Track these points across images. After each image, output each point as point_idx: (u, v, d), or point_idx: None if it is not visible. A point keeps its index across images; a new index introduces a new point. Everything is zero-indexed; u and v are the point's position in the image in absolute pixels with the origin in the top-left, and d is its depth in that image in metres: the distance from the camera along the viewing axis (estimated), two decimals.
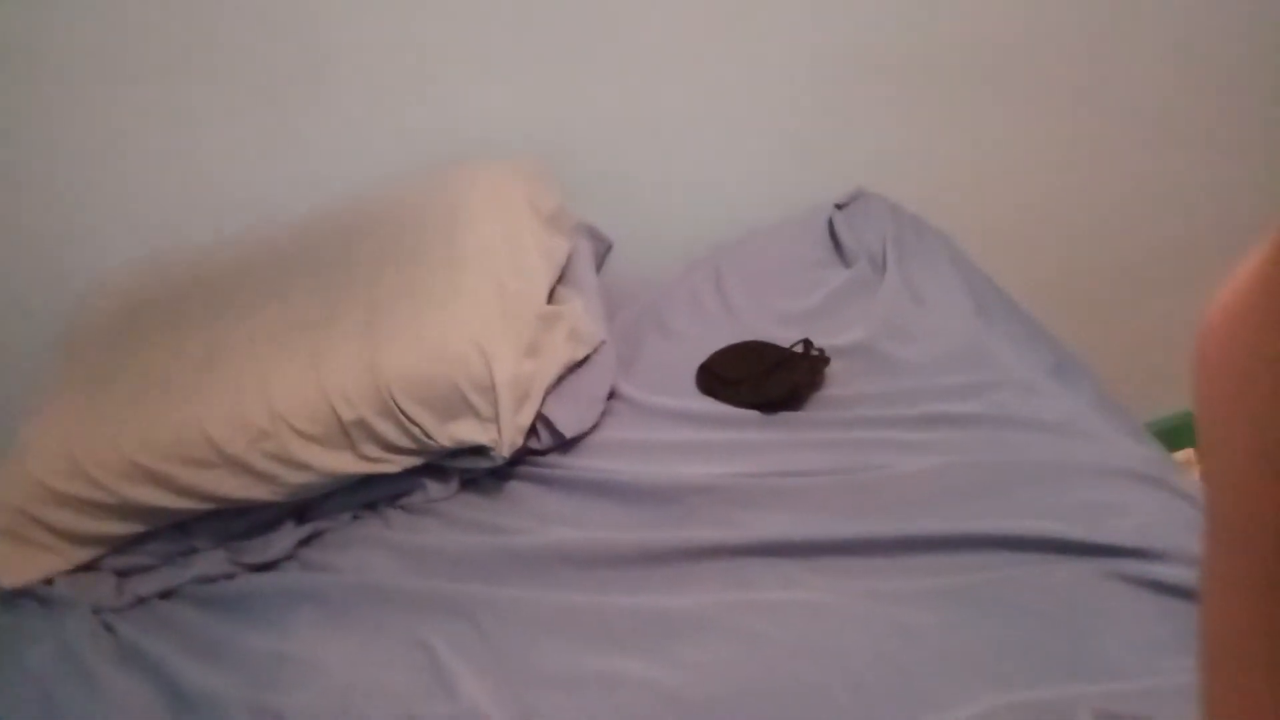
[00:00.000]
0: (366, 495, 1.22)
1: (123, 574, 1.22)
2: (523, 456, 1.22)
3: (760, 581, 0.97)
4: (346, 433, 1.17)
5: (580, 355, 1.31)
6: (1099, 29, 1.59)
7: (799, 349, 1.26)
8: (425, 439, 1.18)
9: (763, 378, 1.24)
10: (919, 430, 1.06)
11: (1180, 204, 1.72)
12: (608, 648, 0.93)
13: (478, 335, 1.20)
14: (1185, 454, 1.81)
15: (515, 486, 1.21)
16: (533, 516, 1.16)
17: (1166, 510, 0.92)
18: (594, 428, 1.25)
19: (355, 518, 1.22)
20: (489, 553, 1.08)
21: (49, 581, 1.20)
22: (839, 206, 1.55)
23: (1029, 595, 0.85)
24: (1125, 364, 1.77)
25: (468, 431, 1.18)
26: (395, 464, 1.20)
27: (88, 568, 1.22)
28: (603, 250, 1.64)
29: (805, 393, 1.20)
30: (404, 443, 1.18)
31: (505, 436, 1.17)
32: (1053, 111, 1.64)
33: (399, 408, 1.17)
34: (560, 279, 1.46)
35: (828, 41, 1.59)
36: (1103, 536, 0.87)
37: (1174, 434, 1.80)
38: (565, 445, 1.23)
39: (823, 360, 1.22)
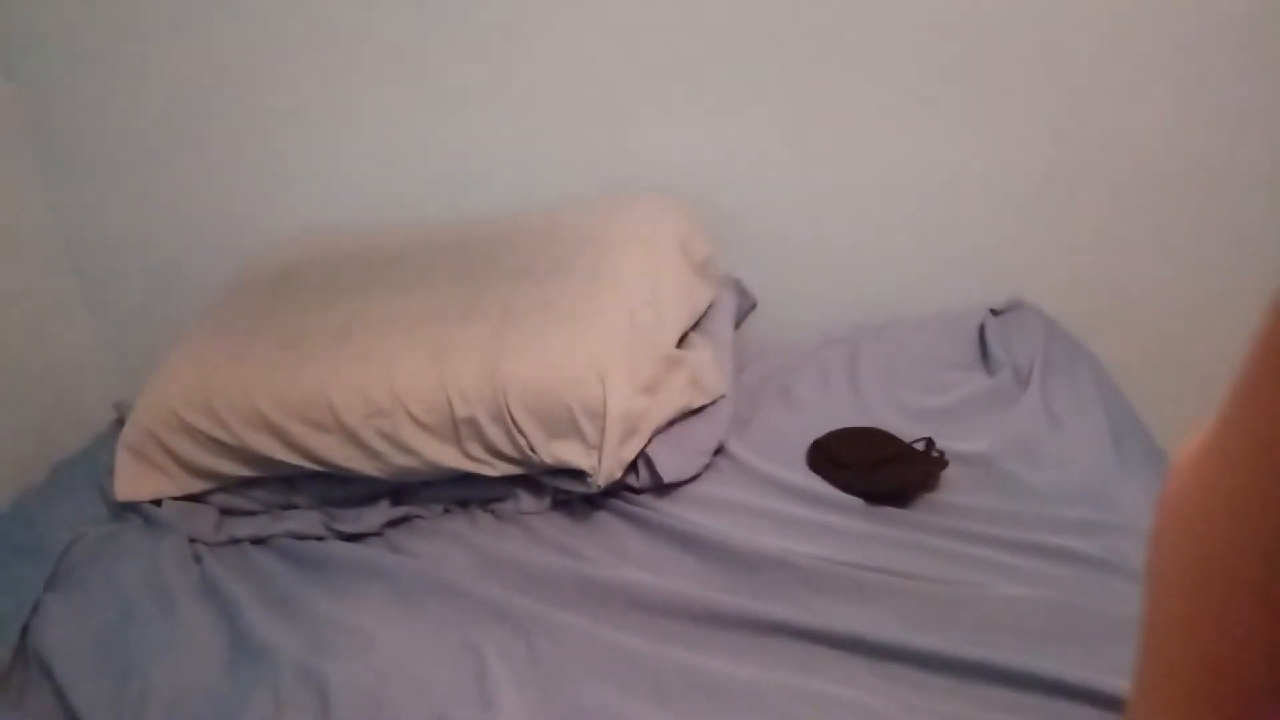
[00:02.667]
0: (462, 492, 1.25)
1: (225, 512, 1.28)
2: (618, 490, 1.22)
3: (820, 671, 0.93)
4: (456, 428, 1.20)
5: (697, 403, 1.30)
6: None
7: (919, 446, 1.22)
8: (529, 451, 1.19)
9: (875, 467, 1.20)
10: (1024, 556, 1.00)
11: None
12: (654, 700, 0.90)
13: (600, 361, 1.21)
14: None
15: (604, 518, 1.20)
16: (613, 551, 1.15)
17: None
18: (694, 479, 1.24)
19: (446, 511, 1.25)
20: (561, 576, 1.08)
21: (157, 503, 1.27)
22: (995, 312, 1.49)
23: None
24: None
25: (570, 453, 1.19)
26: (495, 468, 1.22)
27: (195, 499, 1.29)
28: (746, 307, 1.63)
29: (915, 492, 1.16)
30: (508, 450, 1.20)
31: (605, 466, 1.17)
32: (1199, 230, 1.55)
33: (510, 415, 1.19)
34: (697, 326, 1.46)
35: (1021, 149, 1.55)
36: None
37: None
38: (662, 489, 1.22)
39: (941, 463, 1.18)
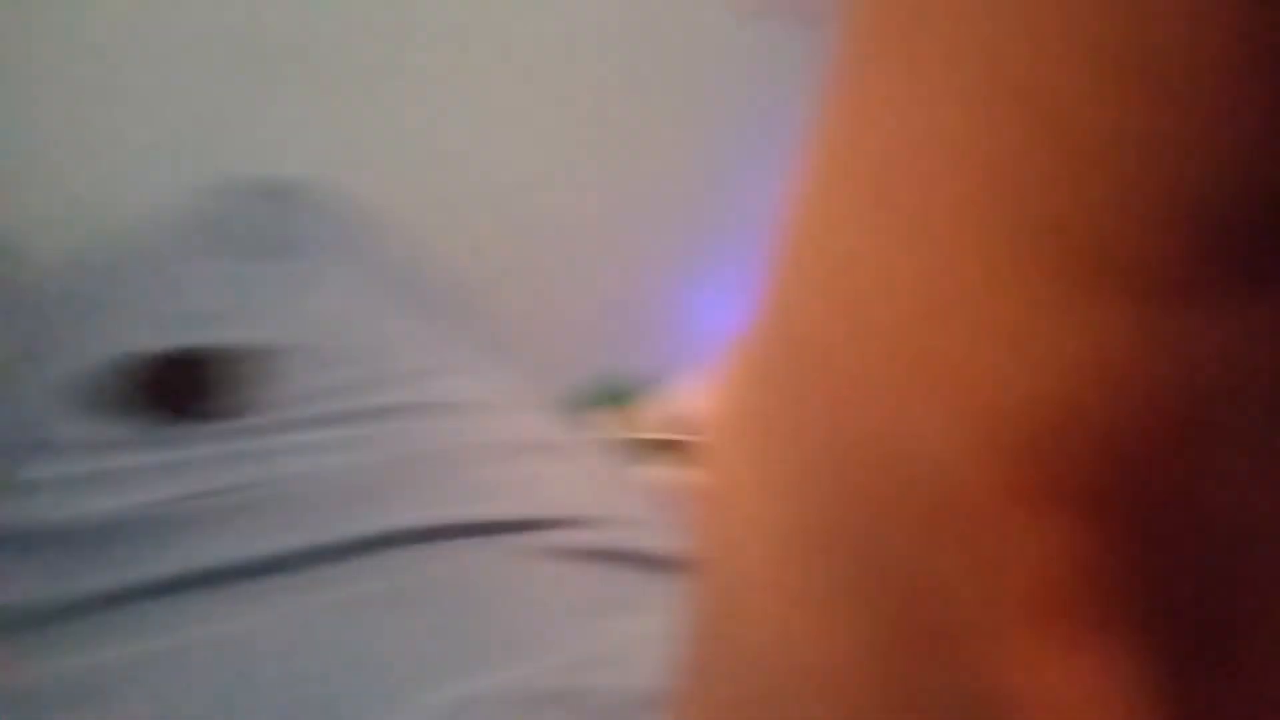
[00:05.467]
0: None
1: None
2: None
3: (163, 627, 0.86)
4: None
5: None
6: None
7: (203, 354, 1.15)
8: None
9: (164, 389, 1.11)
10: (328, 430, 1.02)
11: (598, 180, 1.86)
12: None
13: None
14: (600, 415, 1.97)
15: None
16: None
17: (567, 477, 0.97)
18: None
19: None
20: None
21: None
22: (248, 194, 1.43)
23: (445, 585, 0.86)
24: (548, 334, 1.90)
25: None
26: None
27: None
28: None
29: (211, 403, 1.10)
30: None
31: None
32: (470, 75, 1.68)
33: None
34: None
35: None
36: (503, 513, 0.90)
37: (593, 398, 1.96)
38: None
39: (230, 364, 1.13)
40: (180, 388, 1.12)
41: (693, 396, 2.12)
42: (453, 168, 1.72)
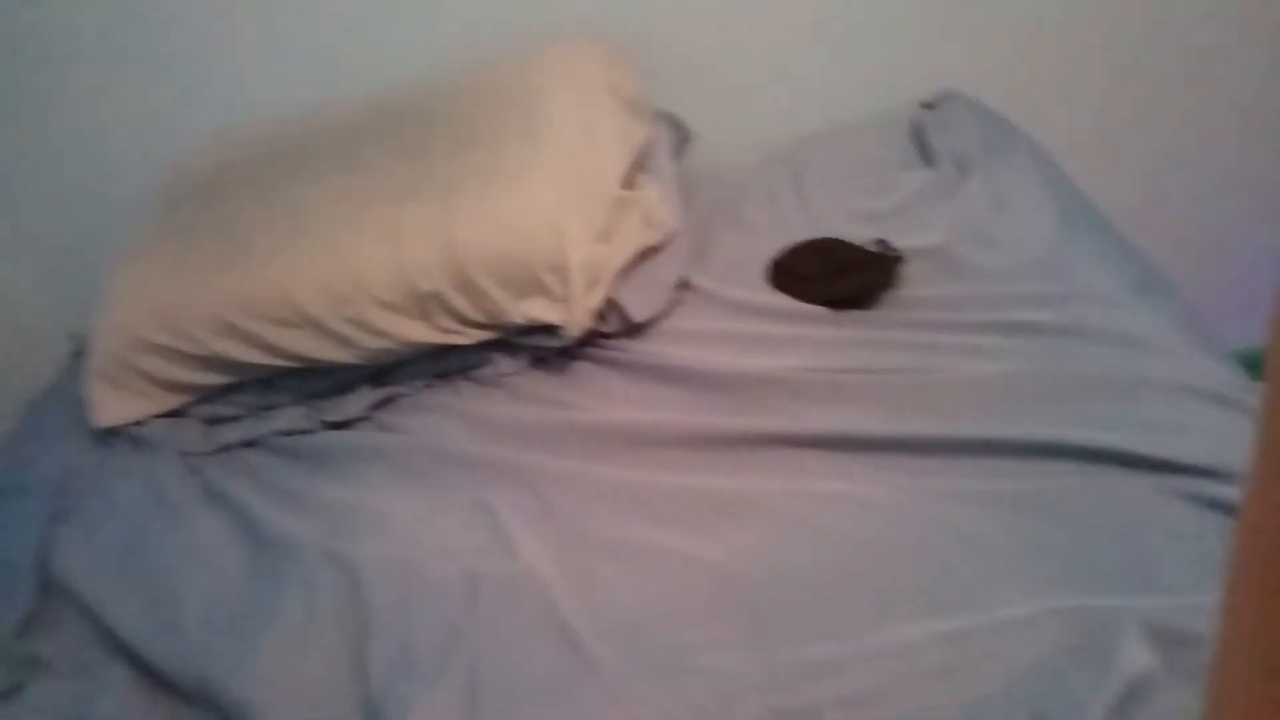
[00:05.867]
0: (440, 365, 1.26)
1: (210, 422, 1.29)
2: (592, 338, 1.24)
3: (815, 472, 0.99)
4: (422, 304, 1.21)
5: (653, 241, 1.32)
6: None
7: (874, 248, 1.25)
8: (498, 314, 1.21)
9: (834, 275, 1.24)
10: (990, 335, 1.06)
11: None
12: (660, 522, 0.96)
13: (552, 215, 1.21)
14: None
15: (582, 367, 1.23)
16: (598, 396, 1.19)
17: (1236, 431, 0.90)
18: (663, 315, 1.27)
19: (428, 386, 1.27)
20: (552, 426, 1.12)
21: (141, 423, 1.28)
22: (926, 106, 1.50)
23: (1085, 506, 0.86)
24: (1222, 289, 1.72)
25: (539, 309, 1.21)
26: (468, 337, 1.23)
27: (177, 414, 1.29)
28: (683, 139, 1.62)
29: (877, 292, 1.20)
30: (477, 317, 1.22)
31: (575, 317, 1.20)
32: (1143, 23, 1.56)
33: (473, 282, 1.19)
34: (638, 165, 1.45)
35: None
36: (1167, 453, 0.86)
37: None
38: (633, 330, 1.25)
39: (897, 260, 1.21)
40: (833, 276, 1.24)
41: None
42: (1110, 98, 1.62)
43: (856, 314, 1.18)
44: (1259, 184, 1.68)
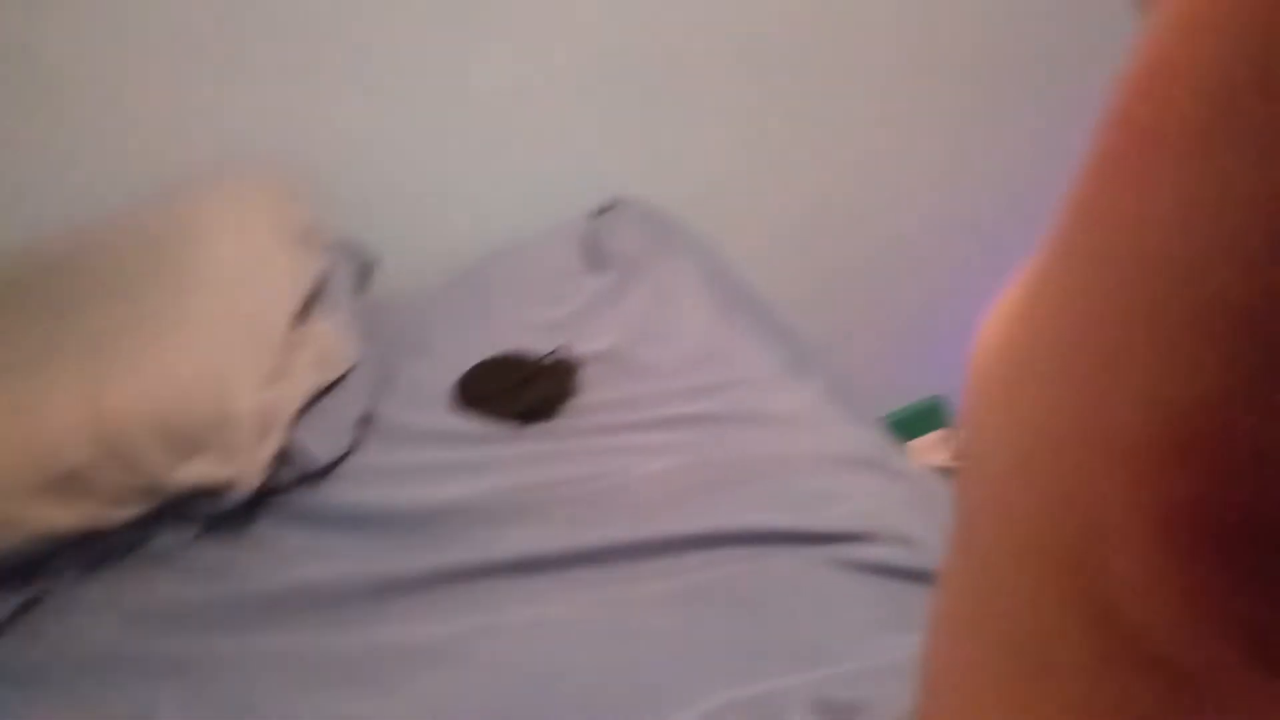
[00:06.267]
0: (97, 550, 1.13)
1: None
2: (270, 492, 1.16)
3: (509, 601, 0.96)
4: (70, 482, 1.09)
5: (329, 379, 1.26)
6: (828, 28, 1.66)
7: (552, 358, 1.26)
8: (158, 482, 1.10)
9: (517, 389, 1.23)
10: (658, 432, 1.08)
11: (918, 200, 1.82)
12: (336, 688, 0.89)
13: (212, 364, 1.13)
14: (921, 441, 1.92)
15: (260, 525, 1.15)
16: (276, 557, 1.10)
17: (884, 493, 0.96)
18: (347, 454, 1.21)
19: (84, 576, 1.13)
20: (221, 602, 1.03)
21: None
22: (599, 213, 1.55)
23: (753, 589, 0.87)
24: (873, 356, 1.86)
25: (204, 470, 1.11)
26: (129, 510, 1.12)
27: None
28: (366, 267, 1.58)
29: (558, 402, 1.20)
30: (136, 486, 1.11)
31: (246, 472, 1.11)
32: (791, 110, 1.71)
33: (127, 449, 1.09)
34: (312, 300, 1.40)
35: (581, 49, 1.60)
36: (821, 524, 0.90)
37: (914, 422, 1.91)
38: (316, 476, 1.18)
39: (574, 368, 1.22)
40: (517, 391, 1.24)
41: None
42: (774, 187, 1.75)
43: (540, 427, 1.18)
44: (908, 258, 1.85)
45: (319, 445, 1.19)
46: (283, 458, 1.17)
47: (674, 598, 0.88)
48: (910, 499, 0.94)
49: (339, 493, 1.15)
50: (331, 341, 1.30)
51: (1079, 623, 0.18)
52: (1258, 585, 0.16)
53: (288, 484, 1.17)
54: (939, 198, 1.81)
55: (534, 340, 1.31)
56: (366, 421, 1.26)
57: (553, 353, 1.26)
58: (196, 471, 1.11)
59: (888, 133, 1.75)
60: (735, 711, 0.75)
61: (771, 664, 0.79)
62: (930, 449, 1.95)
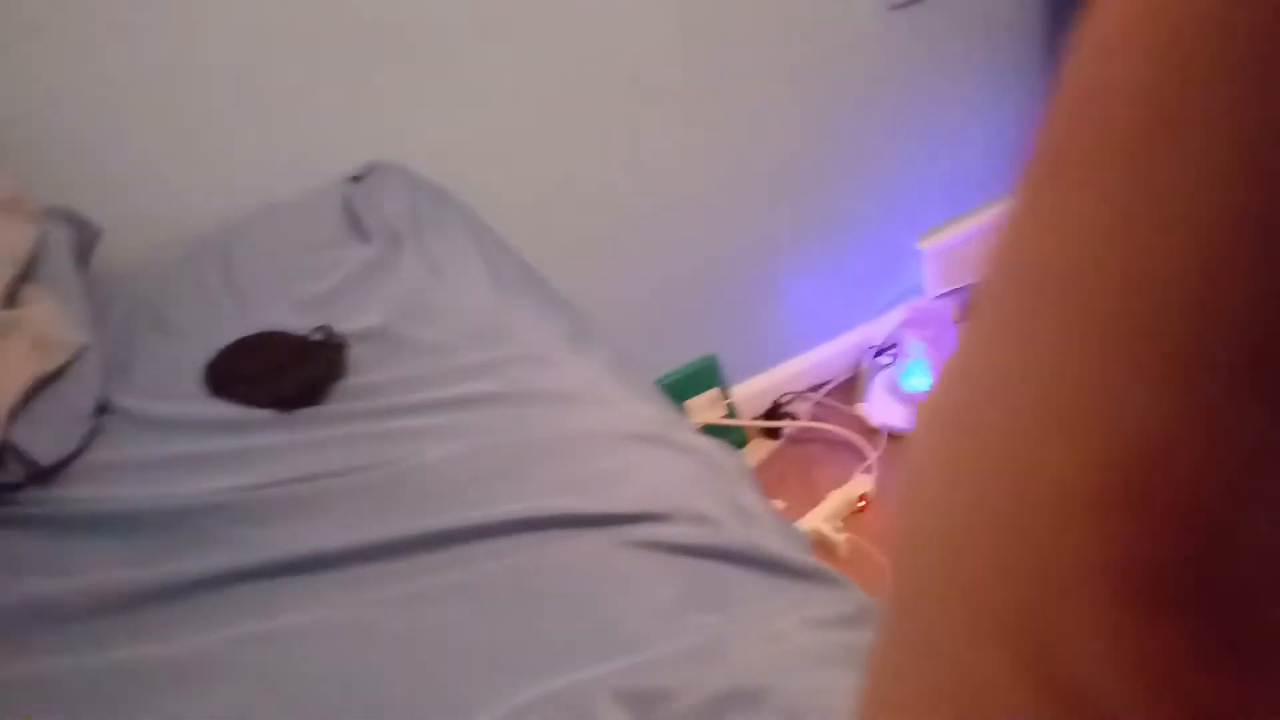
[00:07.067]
0: None
1: None
2: None
3: (285, 605, 0.88)
4: None
5: (53, 367, 1.11)
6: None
7: (317, 337, 1.17)
8: None
9: (278, 372, 1.14)
10: (440, 414, 1.03)
11: (689, 167, 1.85)
12: (76, 716, 0.79)
13: None
14: (696, 400, 1.98)
15: None
16: (5, 569, 0.97)
17: (675, 469, 0.96)
18: (80, 450, 1.08)
19: None
20: None
21: None
22: (355, 179, 1.46)
23: (549, 577, 0.85)
24: (643, 320, 1.89)
25: None
26: None
27: None
28: (89, 238, 1.41)
29: (324, 385, 1.12)
30: None
31: None
32: (550, 77, 1.68)
33: None
34: (23, 278, 1.23)
35: (338, 13, 1.48)
36: (613, 505, 0.89)
37: (688, 383, 1.97)
38: (43, 476, 1.04)
39: (341, 348, 1.15)
40: (277, 374, 1.15)
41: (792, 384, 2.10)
42: (556, 156, 1.72)
43: (307, 413, 1.09)
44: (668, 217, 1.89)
45: (43, 443, 1.05)
46: (4, 457, 1.02)
47: (466, 591, 0.84)
48: (701, 474, 0.95)
49: (75, 494, 1.02)
50: (51, 323, 1.15)
51: (1024, 685, 0.18)
52: (1218, 657, 0.15)
53: (11, 486, 1.02)
54: (680, 171, 1.85)
55: (293, 318, 1.22)
56: (101, 412, 1.12)
57: (318, 330, 1.17)
58: None
59: (644, 107, 1.76)
60: (540, 709, 0.73)
61: (574, 655, 0.77)
62: (706, 408, 2.00)
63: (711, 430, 1.99)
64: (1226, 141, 0.13)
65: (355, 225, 1.36)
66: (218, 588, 0.91)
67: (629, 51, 1.71)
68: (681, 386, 1.95)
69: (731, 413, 2.05)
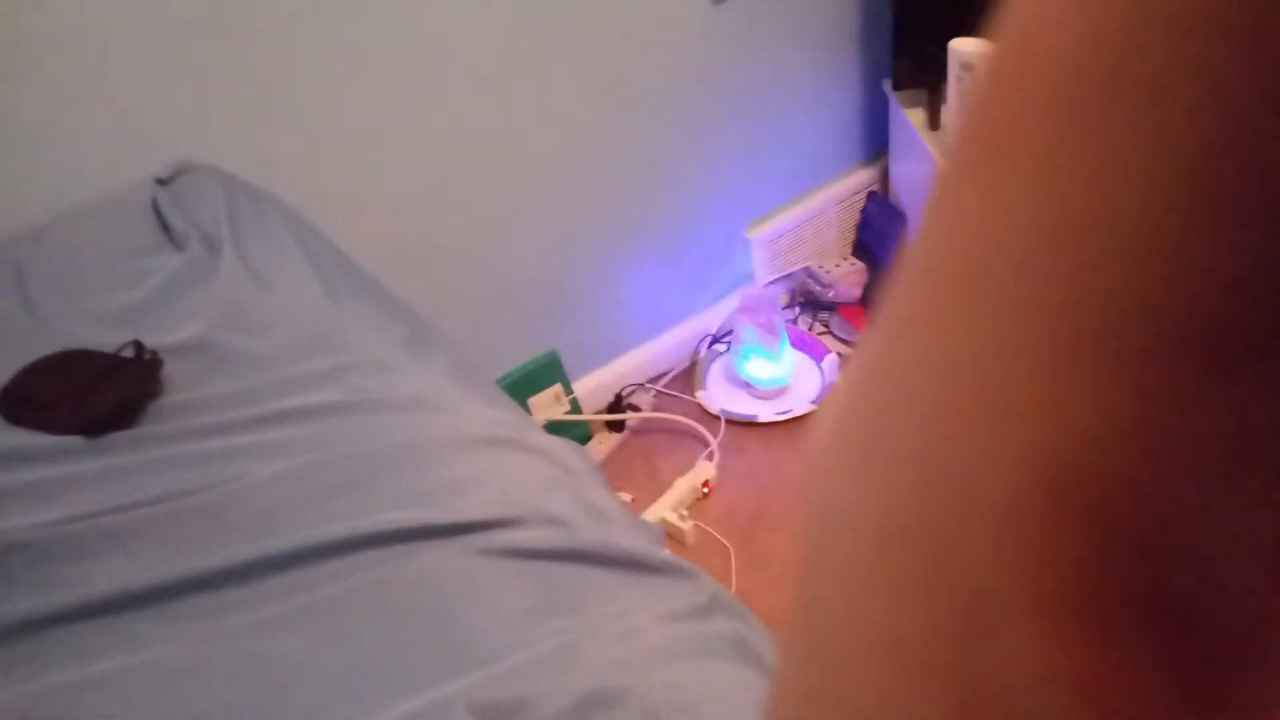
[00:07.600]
0: None
1: None
2: None
3: (94, 652, 0.81)
4: None
5: None
6: None
7: (128, 353, 1.09)
8: None
9: (83, 394, 1.04)
10: (272, 429, 0.97)
11: (522, 165, 1.82)
12: None
13: None
14: (539, 397, 1.97)
15: None
16: None
17: (523, 473, 0.94)
18: None
19: None
20: None
21: None
22: (161, 182, 1.36)
23: (400, 593, 0.82)
24: (482, 319, 1.86)
25: None
26: None
27: None
28: None
29: (137, 405, 1.04)
30: None
31: None
32: (376, 73, 1.62)
33: None
34: None
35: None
36: (463, 514, 0.87)
37: (530, 380, 1.95)
38: None
39: (155, 364, 1.06)
40: (82, 396, 1.06)
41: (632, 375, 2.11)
42: (386, 155, 1.66)
43: (119, 436, 1.01)
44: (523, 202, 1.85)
45: None
46: None
47: (310, 615, 0.80)
48: (551, 475, 0.93)
49: None
50: None
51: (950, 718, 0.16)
52: (1162, 684, 0.14)
53: None
54: (511, 168, 1.82)
55: (99, 334, 1.12)
56: None
57: (129, 346, 1.08)
58: None
59: (474, 105, 1.72)
60: None
61: (428, 672, 0.74)
62: (549, 404, 1.98)
63: (555, 426, 1.97)
64: (1178, 111, 0.11)
65: (164, 230, 1.27)
66: (24, 635, 0.83)
67: (460, 48, 1.66)
68: (524, 384, 1.92)
69: (575, 408, 2.05)
